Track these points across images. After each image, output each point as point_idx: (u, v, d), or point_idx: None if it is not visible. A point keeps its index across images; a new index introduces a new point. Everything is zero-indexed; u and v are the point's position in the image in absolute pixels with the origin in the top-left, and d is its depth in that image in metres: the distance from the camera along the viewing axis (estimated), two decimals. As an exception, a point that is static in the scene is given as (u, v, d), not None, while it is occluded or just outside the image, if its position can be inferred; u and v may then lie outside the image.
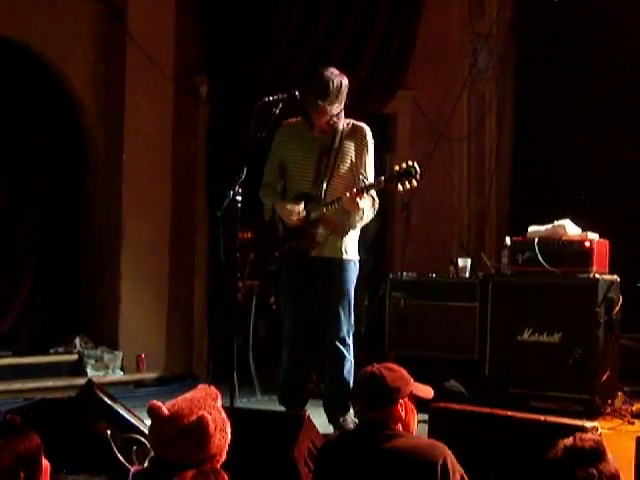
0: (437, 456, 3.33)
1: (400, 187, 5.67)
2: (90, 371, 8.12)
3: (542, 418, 4.44)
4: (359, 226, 6.02)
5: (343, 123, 5.99)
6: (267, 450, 4.37)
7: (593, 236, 7.07)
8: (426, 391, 3.71)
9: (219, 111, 8.97)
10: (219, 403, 2.91)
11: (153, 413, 2.83)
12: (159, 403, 2.85)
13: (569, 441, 2.90)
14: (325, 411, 6.15)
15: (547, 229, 7.22)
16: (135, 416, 4.83)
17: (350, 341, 6.07)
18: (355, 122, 6.06)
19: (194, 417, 2.78)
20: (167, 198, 8.86)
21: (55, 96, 8.61)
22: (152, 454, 2.95)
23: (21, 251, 8.52)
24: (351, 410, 5.98)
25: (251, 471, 3.98)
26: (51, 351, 8.31)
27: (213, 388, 2.96)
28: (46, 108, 8.61)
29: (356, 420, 5.84)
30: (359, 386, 3.71)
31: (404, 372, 3.61)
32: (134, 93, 8.61)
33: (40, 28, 8.26)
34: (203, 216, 8.99)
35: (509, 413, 4.61)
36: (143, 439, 4.52)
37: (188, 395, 2.90)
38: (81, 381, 5.96)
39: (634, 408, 6.78)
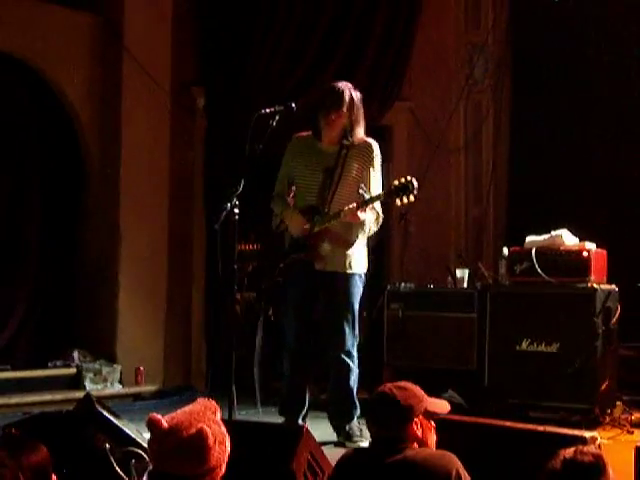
0: (450, 467, 3.33)
1: (398, 202, 5.75)
2: (88, 384, 8.11)
3: (541, 428, 4.43)
4: (362, 239, 6.07)
5: (352, 138, 6.03)
6: (266, 462, 4.36)
7: (590, 246, 7.07)
8: (442, 406, 3.70)
9: (216, 123, 8.98)
10: (218, 416, 2.91)
11: (152, 426, 2.83)
12: (158, 416, 2.84)
13: (569, 454, 2.88)
14: (330, 420, 6.21)
15: (545, 239, 7.22)
16: (134, 429, 4.82)
17: (355, 352, 6.14)
18: (362, 137, 6.13)
19: (193, 430, 2.77)
20: (164, 211, 8.86)
21: (51, 109, 8.60)
22: (151, 467, 2.95)
23: (19, 265, 8.51)
24: (355, 419, 6.02)
25: (250, 484, 3.98)
26: (49, 365, 8.29)
27: (212, 402, 2.96)
28: (42, 121, 8.61)
29: (361, 427, 5.87)
30: (372, 407, 3.68)
31: (417, 390, 3.59)
32: (131, 106, 8.61)
33: (35, 41, 8.27)
34: (201, 229, 9.00)
35: (508, 423, 4.60)
36: (142, 452, 4.50)
37: (187, 408, 2.89)
38: (79, 394, 5.94)
39: (633, 418, 6.78)
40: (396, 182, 5.74)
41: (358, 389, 6.18)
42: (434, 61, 9.94)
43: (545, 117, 9.44)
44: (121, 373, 8.40)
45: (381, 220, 6.10)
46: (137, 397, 8.43)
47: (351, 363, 6.07)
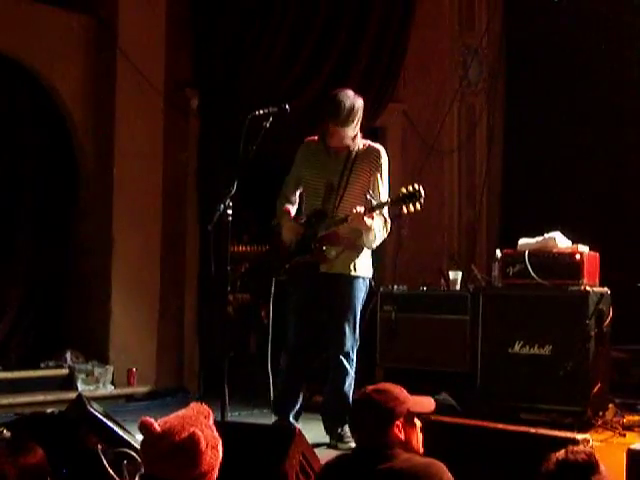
0: (436, 476, 3.27)
1: (405, 209, 5.74)
2: (81, 385, 8.09)
3: (533, 430, 4.44)
4: (372, 246, 6.09)
5: (359, 144, 6.04)
6: (258, 464, 4.36)
7: (583, 248, 7.08)
8: (425, 405, 3.62)
9: (210, 124, 8.97)
10: (211, 421, 2.90)
11: (145, 429, 2.82)
12: (151, 419, 2.84)
13: (561, 454, 2.89)
14: (323, 422, 6.23)
15: (537, 241, 7.23)
16: (126, 430, 4.82)
17: (354, 356, 6.16)
18: (370, 143, 6.17)
19: (186, 434, 2.77)
20: (158, 211, 8.85)
21: (45, 109, 8.59)
22: (143, 471, 2.94)
23: (11, 265, 8.50)
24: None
25: (242, 485, 3.97)
26: (41, 365, 8.27)
27: (205, 406, 2.95)
28: (36, 121, 8.59)
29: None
30: (352, 413, 3.65)
31: (398, 391, 3.51)
32: (124, 106, 8.60)
33: (30, 41, 8.25)
34: (194, 229, 8.99)
35: (500, 426, 4.61)
36: (134, 454, 4.50)
37: (180, 412, 2.89)
38: (72, 395, 5.92)
39: (625, 420, 6.78)
40: (404, 190, 5.74)
41: (354, 391, 6.18)
42: (428, 63, 9.96)
43: (538, 119, 9.47)
44: (113, 374, 8.38)
45: (389, 227, 6.11)
46: (129, 398, 8.41)
47: (348, 366, 6.08)
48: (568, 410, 6.74)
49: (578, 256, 6.97)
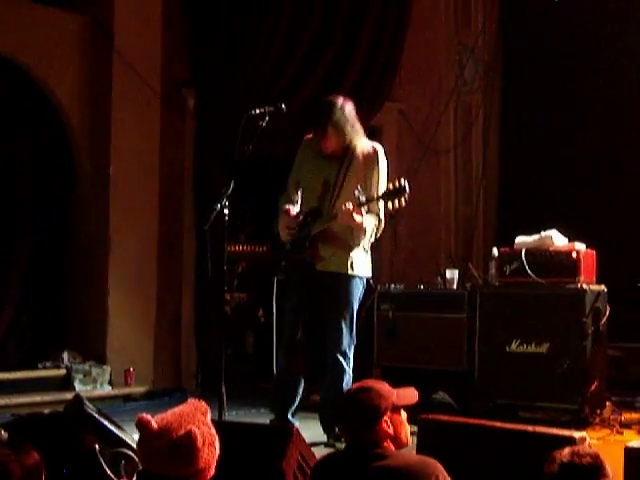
0: (430, 474, 3.26)
1: (390, 205, 5.71)
2: (78, 386, 8.09)
3: (531, 429, 4.44)
4: (363, 243, 6.07)
5: (356, 142, 6.04)
6: (256, 463, 4.36)
7: (580, 246, 7.08)
8: (409, 397, 3.61)
9: (206, 124, 8.97)
10: (208, 418, 2.90)
11: (142, 427, 2.82)
12: (148, 417, 2.83)
13: (566, 457, 2.87)
14: (320, 421, 6.22)
15: (534, 240, 7.23)
16: (123, 430, 4.82)
17: (350, 354, 6.15)
18: (367, 142, 6.15)
19: (183, 431, 2.76)
20: (154, 211, 8.85)
21: (41, 110, 8.58)
22: (140, 468, 2.94)
23: (8, 266, 8.49)
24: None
25: (240, 484, 3.98)
26: (39, 366, 8.27)
27: (202, 403, 2.95)
28: (32, 122, 8.59)
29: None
30: (340, 412, 3.66)
31: (382, 387, 3.52)
32: (121, 106, 8.60)
33: (25, 41, 8.25)
34: (191, 229, 8.99)
35: (498, 424, 4.61)
36: (132, 453, 4.50)
37: (177, 409, 2.88)
38: (69, 396, 5.93)
39: (622, 418, 6.78)
40: (390, 185, 5.73)
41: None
42: (424, 62, 9.97)
43: (534, 118, 9.48)
44: (111, 374, 8.38)
45: (382, 225, 6.10)
46: (127, 398, 8.41)
47: (345, 365, 6.08)
48: (565, 408, 6.76)
49: (575, 254, 6.97)
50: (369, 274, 6.24)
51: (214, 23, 8.91)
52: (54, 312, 8.71)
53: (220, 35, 8.91)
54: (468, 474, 3.89)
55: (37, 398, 7.74)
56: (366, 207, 5.83)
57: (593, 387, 6.73)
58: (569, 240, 7.18)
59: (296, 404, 6.27)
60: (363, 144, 6.11)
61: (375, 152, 6.11)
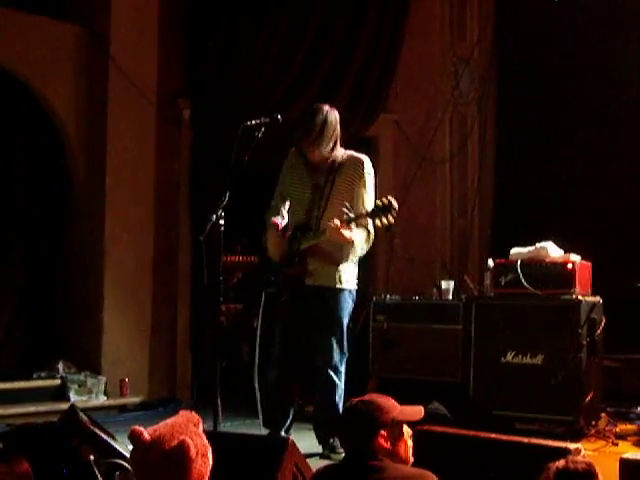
0: None
1: (378, 222, 5.68)
2: (73, 396, 8.08)
3: (526, 440, 4.44)
4: (353, 258, 6.06)
5: (339, 155, 6.03)
6: (251, 474, 4.35)
7: (575, 258, 7.09)
8: (414, 413, 3.59)
9: (202, 135, 8.99)
10: (201, 429, 2.90)
11: (134, 438, 2.82)
12: (141, 428, 2.83)
13: (561, 464, 2.88)
14: (315, 433, 6.20)
15: (529, 251, 7.24)
16: (118, 441, 4.81)
17: (342, 369, 6.12)
18: (353, 154, 6.11)
19: (175, 443, 2.76)
20: (150, 222, 8.85)
21: (37, 120, 8.59)
22: (134, 480, 2.94)
23: (3, 276, 8.49)
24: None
25: (235, 496, 3.97)
26: (34, 376, 8.25)
27: (194, 414, 2.94)
28: (27, 132, 8.60)
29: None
30: (340, 423, 3.66)
31: (384, 401, 3.50)
32: (116, 117, 8.60)
33: (21, 52, 8.25)
34: (186, 239, 8.99)
35: (493, 435, 4.61)
36: (126, 464, 4.49)
37: (170, 421, 2.88)
38: (64, 406, 5.92)
39: (618, 429, 6.78)
40: (379, 202, 5.70)
41: (344, 401, 6.16)
42: (420, 73, 9.98)
43: (530, 129, 9.49)
44: (106, 384, 8.36)
45: (372, 239, 6.08)
46: (122, 409, 8.40)
47: (336, 379, 6.05)
48: (560, 419, 6.75)
49: (570, 265, 6.98)
50: (356, 285, 6.21)
51: (210, 34, 8.92)
52: (49, 323, 8.70)
53: (216, 46, 8.93)
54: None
55: (32, 408, 7.72)
56: (360, 222, 5.84)
57: (588, 398, 6.73)
58: (564, 251, 7.19)
59: (290, 420, 6.25)
60: (349, 155, 6.10)
61: (362, 163, 6.08)
